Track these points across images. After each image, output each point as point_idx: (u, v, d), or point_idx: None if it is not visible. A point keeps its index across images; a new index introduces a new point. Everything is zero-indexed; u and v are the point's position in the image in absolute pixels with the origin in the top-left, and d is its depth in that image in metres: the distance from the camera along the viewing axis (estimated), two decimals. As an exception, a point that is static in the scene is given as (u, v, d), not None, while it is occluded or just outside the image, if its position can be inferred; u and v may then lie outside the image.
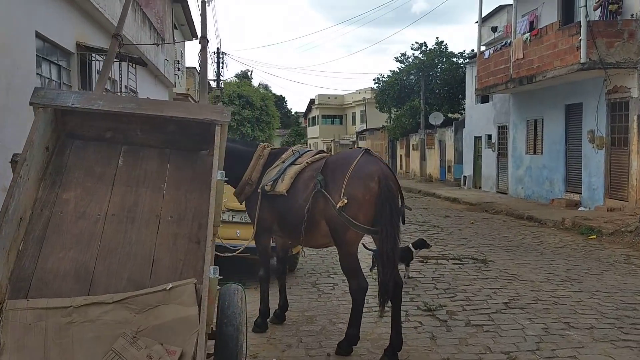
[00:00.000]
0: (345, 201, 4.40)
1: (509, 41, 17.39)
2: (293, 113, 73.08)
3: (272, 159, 5.21)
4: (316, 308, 5.95)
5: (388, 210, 4.39)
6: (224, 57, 30.77)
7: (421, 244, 7.32)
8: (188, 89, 30.19)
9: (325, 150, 5.58)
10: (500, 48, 17.98)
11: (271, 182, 4.92)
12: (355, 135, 42.22)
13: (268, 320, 5.46)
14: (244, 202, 5.44)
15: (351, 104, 50.94)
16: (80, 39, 8.73)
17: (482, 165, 22.43)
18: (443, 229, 11.74)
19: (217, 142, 3.78)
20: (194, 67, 36.17)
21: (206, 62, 5.14)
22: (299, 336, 5.12)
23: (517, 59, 16.26)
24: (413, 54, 30.14)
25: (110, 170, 4.04)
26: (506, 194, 19.60)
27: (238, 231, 6.99)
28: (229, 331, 3.78)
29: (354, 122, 50.76)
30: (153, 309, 3.34)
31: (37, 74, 7.10)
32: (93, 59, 9.27)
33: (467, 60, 25.40)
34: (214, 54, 31.12)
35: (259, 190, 5.05)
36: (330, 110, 55.64)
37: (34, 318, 3.11)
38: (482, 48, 20.35)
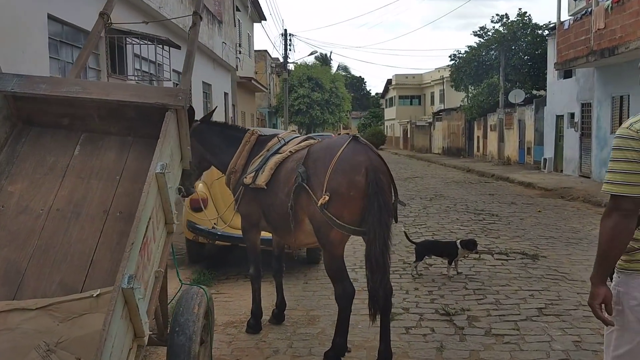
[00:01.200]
0: (327, 197, 3.81)
1: (589, 10, 15.76)
2: (374, 95, 72.11)
3: (259, 147, 4.71)
4: (324, 307, 5.43)
5: (377, 207, 3.75)
6: (292, 38, 30.43)
7: (470, 245, 6.56)
8: (256, 73, 30.27)
9: (314, 137, 4.87)
10: (581, 17, 16.37)
11: (252, 174, 4.45)
12: (431, 117, 40.83)
13: (268, 321, 5.06)
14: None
15: (430, 83, 49.21)
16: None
17: (563, 146, 20.75)
18: (502, 219, 10.78)
19: (163, 129, 3.34)
20: (265, 50, 36.35)
21: (194, 40, 4.69)
22: (291, 340, 4.64)
23: (597, 29, 14.71)
24: (493, 27, 28.25)
25: (64, 160, 3.72)
26: (589, 177, 17.98)
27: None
28: (180, 341, 3.39)
29: (432, 102, 49.07)
30: (78, 317, 2.99)
31: (55, 58, 7.00)
32: (128, 42, 9.15)
33: (548, 32, 23.49)
34: (282, 35, 30.90)
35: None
36: (408, 91, 54.10)
37: None
38: (565, 18, 18.69)
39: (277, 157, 4.40)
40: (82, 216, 3.45)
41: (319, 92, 34.59)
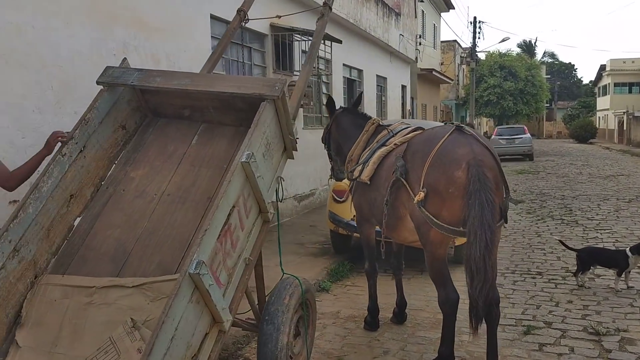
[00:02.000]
0: (423, 194, 3.53)
1: None
2: (586, 83, 65.75)
3: (374, 138, 4.51)
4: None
5: (478, 206, 3.32)
6: (481, 26, 28.95)
7: None
8: (442, 64, 29.47)
9: (424, 127, 4.33)
10: None
11: (360, 167, 4.30)
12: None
13: (390, 319, 4.88)
14: None
15: (653, 67, 43.01)
16: (276, 20, 9.01)
17: None
18: None
19: (256, 120, 3.37)
20: (454, 41, 35.20)
21: (320, 32, 4.68)
22: (405, 342, 4.39)
23: None
24: None
25: (182, 149, 3.99)
26: None
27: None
28: (268, 330, 3.43)
29: (656, 90, 42.83)
30: (166, 298, 3.14)
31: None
32: (295, 39, 9.51)
33: None
34: (470, 23, 29.63)
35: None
36: (626, 77, 47.89)
37: (61, 295, 3.18)
38: None
39: (381, 151, 4.19)
40: (188, 202, 3.65)
41: (512, 81, 32.48)
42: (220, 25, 7.53)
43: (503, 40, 37.51)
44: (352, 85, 14.02)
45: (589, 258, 5.76)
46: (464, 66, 36.21)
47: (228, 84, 3.68)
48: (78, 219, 3.61)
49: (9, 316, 3.10)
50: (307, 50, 9.79)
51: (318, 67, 10.58)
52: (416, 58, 20.26)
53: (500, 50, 35.12)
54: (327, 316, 5.04)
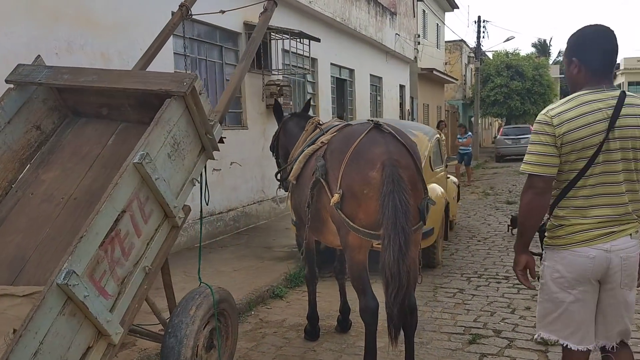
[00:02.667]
0: (338, 197, 3.34)
1: None
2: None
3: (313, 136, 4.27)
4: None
5: (391, 209, 3.10)
6: (486, 24, 28.50)
7: None
8: (446, 63, 29.07)
9: (352, 123, 4.11)
10: None
11: (289, 168, 4.15)
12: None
13: (335, 328, 4.66)
14: None
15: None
16: (251, 17, 8.82)
17: None
18: None
19: (156, 118, 3.16)
20: (461, 40, 34.74)
21: (262, 27, 4.47)
22: (342, 353, 4.14)
23: None
24: None
25: (96, 150, 3.80)
26: None
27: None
28: (171, 343, 3.24)
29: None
30: (56, 308, 2.93)
31: (186, 55, 7.38)
32: (272, 37, 9.31)
33: None
34: (475, 23, 29.18)
35: None
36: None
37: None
38: None
39: (308, 149, 3.98)
40: (94, 206, 3.43)
41: (519, 80, 31.94)
42: (187, 24, 7.35)
43: (508, 40, 36.99)
44: (343, 85, 13.79)
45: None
46: (471, 66, 35.72)
47: (134, 80, 3.47)
48: (-20, 225, 3.44)
49: None
50: (288, 49, 9.60)
51: (293, 66, 10.29)
52: (415, 58, 19.95)
53: (508, 50, 34.57)
54: (271, 325, 4.82)
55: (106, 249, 2.83)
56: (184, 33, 7.14)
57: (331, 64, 12.48)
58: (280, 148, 4.90)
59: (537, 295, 2.74)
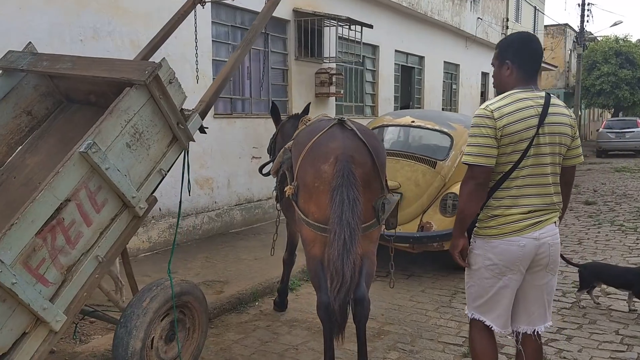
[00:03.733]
0: (291, 188, 3.45)
1: None
2: None
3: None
4: (410, 323, 4.51)
5: (338, 203, 3.08)
6: (590, 7, 26.29)
7: None
8: (544, 49, 27.21)
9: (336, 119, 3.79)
10: None
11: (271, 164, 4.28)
12: None
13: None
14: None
15: None
16: (301, 4, 8.68)
17: None
18: None
19: (111, 107, 3.12)
20: (565, 24, 32.45)
21: (266, 14, 4.33)
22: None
23: None
24: None
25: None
26: None
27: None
28: (120, 333, 3.24)
29: None
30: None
31: (224, 42, 7.38)
32: (326, 24, 9.10)
33: None
34: (578, 5, 27.07)
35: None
36: None
37: None
38: None
39: (287, 145, 3.93)
40: None
41: (629, 69, 29.35)
42: (227, 10, 7.35)
43: (615, 24, 33.81)
44: (410, 73, 13.32)
45: (590, 275, 4.90)
46: (576, 52, 33.30)
47: (102, 68, 3.45)
48: (-37, 205, 3.60)
49: None
50: (343, 36, 9.37)
51: (350, 53, 10.00)
52: (502, 43, 18.82)
53: (617, 35, 31.79)
54: (268, 318, 4.71)
55: (45, 237, 2.83)
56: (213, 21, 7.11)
57: (396, 50, 12.06)
58: (277, 150, 4.82)
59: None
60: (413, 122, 6.69)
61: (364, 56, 10.80)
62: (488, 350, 2.83)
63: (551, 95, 2.72)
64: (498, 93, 2.81)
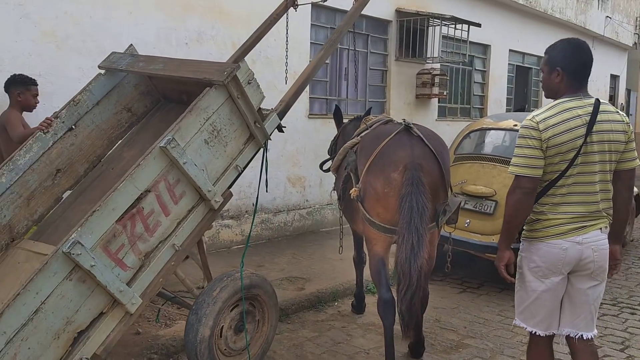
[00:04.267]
0: (356, 190, 3.63)
1: None
2: None
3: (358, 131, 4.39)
4: (494, 339, 4.29)
5: (407, 209, 3.31)
6: None
7: None
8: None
9: (393, 119, 4.31)
10: None
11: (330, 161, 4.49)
12: None
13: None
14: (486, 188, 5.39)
15: None
16: (404, 4, 8.55)
17: None
18: None
19: (191, 105, 3.29)
20: None
21: (352, 15, 4.35)
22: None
23: None
24: None
25: None
26: None
27: (468, 221, 5.64)
28: (191, 320, 3.45)
29: None
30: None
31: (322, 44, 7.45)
32: (431, 24, 8.90)
33: None
34: None
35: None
36: None
37: (24, 259, 3.54)
38: None
39: (348, 143, 4.13)
40: None
41: None
42: (327, 13, 7.43)
43: None
44: (527, 74, 12.64)
45: None
46: None
47: (188, 69, 3.65)
48: (68, 192, 3.96)
49: (-21, 272, 3.55)
50: (448, 35, 9.12)
51: (455, 53, 9.66)
52: (635, 44, 17.33)
53: None
54: (345, 319, 4.70)
55: (125, 224, 3.05)
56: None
57: (510, 50, 11.50)
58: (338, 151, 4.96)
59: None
60: (515, 125, 6.34)
61: (472, 56, 10.43)
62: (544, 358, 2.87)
63: (601, 101, 2.70)
64: (547, 97, 2.85)
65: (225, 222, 6.30)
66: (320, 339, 4.29)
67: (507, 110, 11.67)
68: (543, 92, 2.93)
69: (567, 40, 2.81)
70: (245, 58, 4.85)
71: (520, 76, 12.43)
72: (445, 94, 9.07)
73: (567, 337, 2.81)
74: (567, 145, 2.61)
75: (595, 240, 2.67)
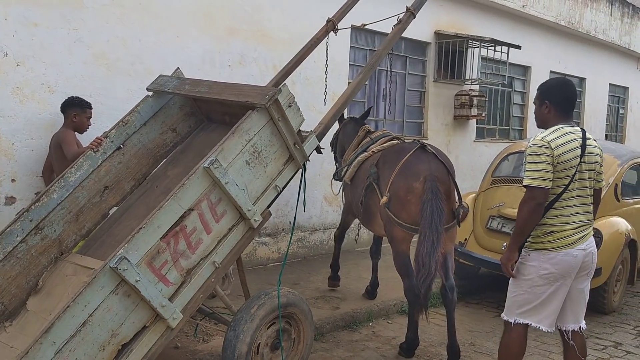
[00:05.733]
0: (386, 198, 4.29)
1: None
2: None
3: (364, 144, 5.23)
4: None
5: (429, 212, 4.04)
6: None
7: None
8: None
9: (399, 136, 5.20)
10: None
11: (345, 169, 5.09)
12: None
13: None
14: None
15: None
16: (443, 26, 8.61)
17: None
18: None
19: (234, 127, 3.42)
20: None
21: (391, 39, 4.45)
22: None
23: None
24: None
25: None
26: None
27: (504, 244, 5.58)
28: (229, 336, 3.54)
29: None
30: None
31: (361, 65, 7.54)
32: (470, 45, 8.91)
33: None
34: None
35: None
36: None
37: (72, 272, 3.71)
38: None
39: (361, 156, 4.87)
40: None
41: None
42: (366, 35, 7.54)
43: None
44: (567, 96, 12.44)
45: None
46: None
47: (232, 92, 3.78)
48: (115, 209, 4.13)
49: (29, 283, 3.72)
50: (487, 56, 9.11)
51: (492, 74, 9.60)
52: None
53: None
54: (380, 339, 4.72)
55: (168, 241, 3.17)
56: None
57: (551, 71, 11.37)
58: (339, 145, 5.77)
59: None
60: (554, 149, 6.30)
61: (512, 77, 10.37)
62: (522, 350, 3.33)
63: (584, 129, 3.29)
64: (538, 126, 3.37)
65: (262, 239, 6.41)
66: (355, 358, 4.33)
67: (548, 132, 11.52)
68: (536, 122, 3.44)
69: (556, 78, 3.49)
70: (286, 80, 5.02)
71: (561, 97, 12.24)
72: (483, 115, 9.03)
73: (567, 331, 3.32)
74: (570, 162, 3.11)
75: (592, 246, 3.23)
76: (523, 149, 6.51)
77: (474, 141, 9.43)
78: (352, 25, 5.28)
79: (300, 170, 3.82)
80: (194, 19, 5.69)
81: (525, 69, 10.75)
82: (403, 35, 7.82)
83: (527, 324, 3.25)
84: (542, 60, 11.00)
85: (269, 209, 3.71)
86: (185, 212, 3.22)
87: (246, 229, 3.56)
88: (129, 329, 3.07)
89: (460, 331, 4.92)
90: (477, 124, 9.50)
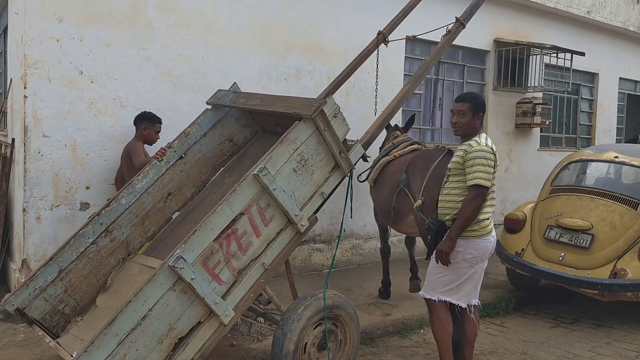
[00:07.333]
0: (420, 202, 4.47)
1: None
2: None
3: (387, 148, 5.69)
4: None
5: None
6: None
7: None
8: None
9: (419, 142, 5.71)
10: None
11: (367, 172, 5.49)
12: None
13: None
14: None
15: None
16: (503, 34, 8.54)
17: None
18: None
19: (282, 136, 3.64)
20: None
21: (440, 49, 4.54)
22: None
23: None
24: None
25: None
26: None
27: (562, 254, 5.51)
28: (277, 334, 3.73)
29: None
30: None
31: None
32: (532, 52, 8.78)
33: None
34: None
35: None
36: None
37: (137, 272, 4.05)
38: None
39: (384, 159, 5.34)
40: None
41: None
42: (422, 45, 7.61)
43: None
44: (640, 103, 11.94)
45: None
46: None
47: (282, 105, 4.00)
48: (177, 213, 4.45)
49: (99, 282, 4.08)
50: (550, 63, 8.96)
51: (557, 81, 9.37)
52: None
53: None
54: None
55: (221, 243, 3.41)
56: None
57: (620, 78, 10.96)
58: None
59: None
60: (616, 157, 6.13)
61: (578, 84, 10.09)
62: (450, 326, 3.87)
63: None
64: (462, 134, 3.91)
65: (316, 245, 6.60)
66: (403, 363, 4.41)
67: (618, 141, 11.08)
68: (454, 130, 3.99)
69: (476, 93, 4.26)
70: (340, 90, 5.20)
71: (632, 105, 11.78)
72: (547, 123, 8.85)
73: (470, 305, 3.86)
74: (497, 165, 3.78)
75: (495, 234, 3.87)
76: (584, 157, 6.39)
77: (538, 150, 9.24)
78: (406, 36, 5.38)
79: (347, 177, 3.98)
80: (253, 36, 6.00)
81: (592, 76, 10.42)
82: (461, 44, 7.98)
83: (448, 301, 3.80)
84: (610, 67, 10.63)
85: (317, 214, 3.90)
86: (236, 216, 3.44)
87: (294, 233, 3.75)
88: (185, 324, 3.32)
89: (513, 341, 4.93)
90: (541, 132, 9.31)
